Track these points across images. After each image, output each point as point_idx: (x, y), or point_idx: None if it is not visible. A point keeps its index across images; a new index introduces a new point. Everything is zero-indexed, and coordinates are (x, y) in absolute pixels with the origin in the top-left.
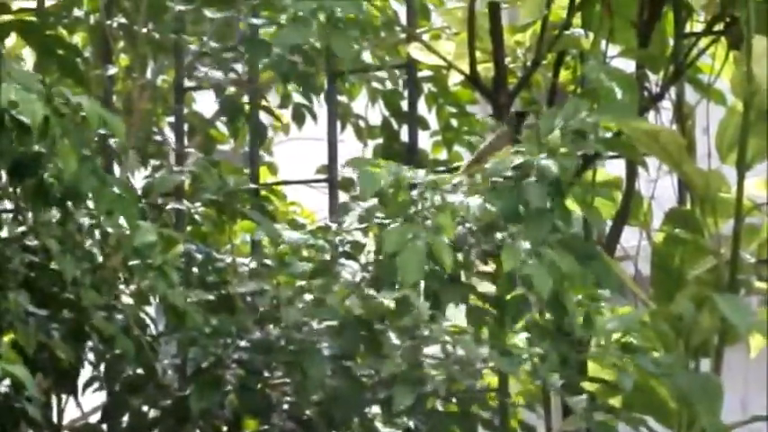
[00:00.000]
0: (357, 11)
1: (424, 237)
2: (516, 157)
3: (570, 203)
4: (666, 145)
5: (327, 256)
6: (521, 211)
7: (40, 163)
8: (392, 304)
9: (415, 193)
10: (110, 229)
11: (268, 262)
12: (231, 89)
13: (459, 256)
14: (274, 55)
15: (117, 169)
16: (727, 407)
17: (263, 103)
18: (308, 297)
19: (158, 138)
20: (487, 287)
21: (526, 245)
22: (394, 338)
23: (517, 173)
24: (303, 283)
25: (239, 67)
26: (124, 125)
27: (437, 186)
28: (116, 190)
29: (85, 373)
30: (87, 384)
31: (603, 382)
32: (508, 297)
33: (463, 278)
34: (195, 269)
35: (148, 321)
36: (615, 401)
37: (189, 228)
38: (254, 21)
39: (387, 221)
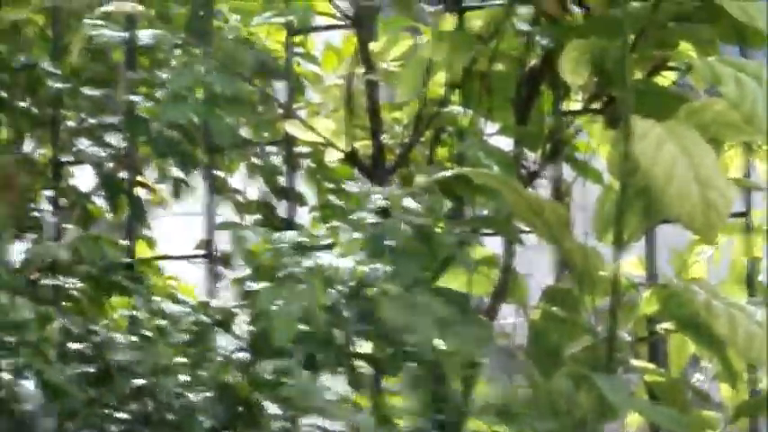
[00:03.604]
0: (234, 89)
1: (297, 298)
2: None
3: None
4: (549, 220)
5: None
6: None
7: None
8: (270, 374)
9: (286, 259)
10: None
11: (147, 333)
12: (109, 164)
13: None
14: (153, 132)
15: None
16: None
17: (141, 178)
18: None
19: (36, 212)
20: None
21: (399, 294)
22: (274, 409)
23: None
24: (183, 360)
25: (117, 140)
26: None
27: (307, 248)
28: None
29: None
30: None
31: None
32: (386, 353)
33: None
34: (72, 344)
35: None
36: None
37: (67, 303)
38: (133, 98)
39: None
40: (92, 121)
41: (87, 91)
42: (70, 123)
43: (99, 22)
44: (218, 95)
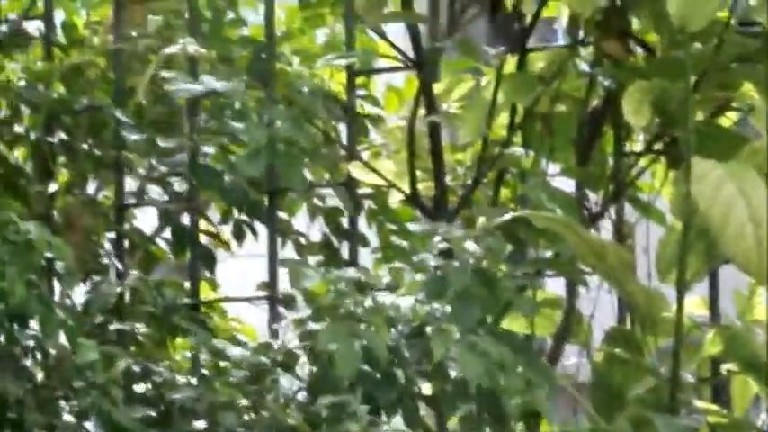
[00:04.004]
0: (303, 138)
1: (359, 335)
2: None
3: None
4: (612, 263)
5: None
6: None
7: None
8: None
9: (347, 299)
10: (52, 351)
11: (208, 374)
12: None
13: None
14: (227, 183)
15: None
16: None
17: (204, 221)
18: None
19: (99, 254)
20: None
21: (456, 334)
22: None
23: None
24: (244, 401)
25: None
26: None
27: (367, 287)
28: (60, 314)
29: None
30: None
31: None
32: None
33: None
34: (135, 386)
35: None
36: None
37: (132, 346)
38: (197, 145)
39: (320, 326)
40: (162, 169)
41: (152, 137)
42: (138, 169)
43: (169, 73)
44: (285, 139)
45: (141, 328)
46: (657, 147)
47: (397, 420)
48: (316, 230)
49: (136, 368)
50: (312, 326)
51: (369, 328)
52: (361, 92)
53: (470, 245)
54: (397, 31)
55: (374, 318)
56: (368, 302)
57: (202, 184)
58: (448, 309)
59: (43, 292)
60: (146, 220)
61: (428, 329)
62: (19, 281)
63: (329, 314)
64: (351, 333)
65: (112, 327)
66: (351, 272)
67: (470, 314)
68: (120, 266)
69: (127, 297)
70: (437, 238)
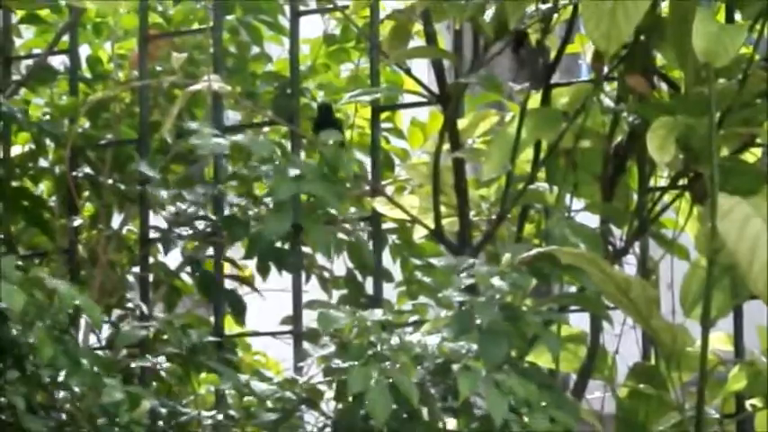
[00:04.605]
0: (331, 197)
1: (388, 376)
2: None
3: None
4: (636, 298)
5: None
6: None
7: (18, 345)
8: None
9: (373, 337)
10: (76, 388)
11: (233, 413)
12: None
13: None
14: (252, 234)
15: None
16: None
17: (228, 263)
18: None
19: (123, 288)
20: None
21: (482, 371)
22: None
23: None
24: None
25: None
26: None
27: (394, 326)
28: (86, 363)
29: None
30: None
31: None
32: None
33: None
34: (160, 422)
35: None
36: None
37: (156, 383)
38: (234, 200)
39: (347, 365)
40: (189, 210)
41: (186, 195)
42: (161, 213)
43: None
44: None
45: (166, 364)
46: (682, 182)
47: None
48: (340, 265)
49: (162, 410)
50: (337, 363)
51: (395, 366)
52: (386, 125)
53: (496, 281)
54: (421, 67)
55: (401, 356)
56: (394, 340)
57: (231, 237)
58: (474, 346)
59: (69, 347)
60: (170, 254)
61: (454, 367)
62: (47, 340)
63: (356, 353)
64: (381, 375)
65: (137, 364)
66: (377, 313)
67: (498, 351)
68: (143, 303)
69: (151, 335)
70: (463, 274)
